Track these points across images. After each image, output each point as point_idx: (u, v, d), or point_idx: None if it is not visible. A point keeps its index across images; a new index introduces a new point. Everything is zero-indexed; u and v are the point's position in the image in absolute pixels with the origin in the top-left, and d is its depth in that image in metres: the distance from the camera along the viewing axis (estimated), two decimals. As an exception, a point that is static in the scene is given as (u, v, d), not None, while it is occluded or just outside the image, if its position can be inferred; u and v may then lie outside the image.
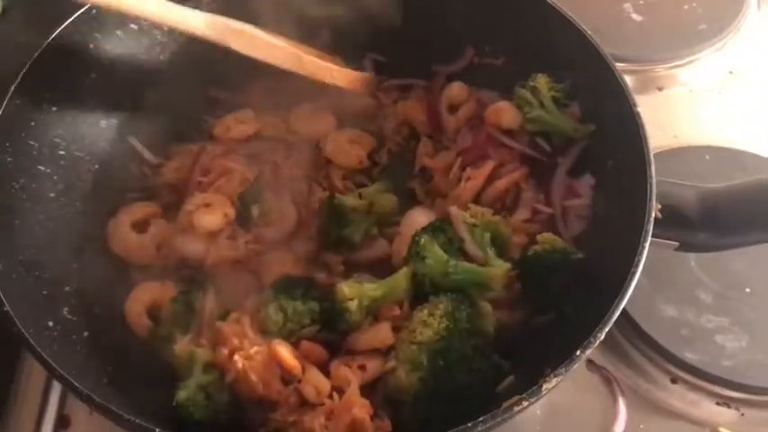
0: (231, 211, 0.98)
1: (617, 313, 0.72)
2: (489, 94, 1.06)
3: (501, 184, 0.98)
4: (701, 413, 0.95)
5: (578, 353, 0.69)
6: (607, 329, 0.71)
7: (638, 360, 0.99)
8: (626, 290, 0.73)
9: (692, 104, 1.31)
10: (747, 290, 1.03)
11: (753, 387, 0.94)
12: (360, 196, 1.00)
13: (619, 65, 1.29)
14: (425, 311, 0.82)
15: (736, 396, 0.95)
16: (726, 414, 0.95)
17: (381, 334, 0.84)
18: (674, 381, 0.97)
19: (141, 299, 0.91)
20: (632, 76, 1.31)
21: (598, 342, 0.71)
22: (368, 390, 0.81)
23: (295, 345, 0.83)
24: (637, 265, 0.75)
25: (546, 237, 0.88)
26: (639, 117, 0.86)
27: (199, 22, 0.85)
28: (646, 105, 1.28)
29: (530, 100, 0.98)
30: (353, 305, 0.83)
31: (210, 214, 0.97)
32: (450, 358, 0.79)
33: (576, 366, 0.70)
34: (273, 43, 0.86)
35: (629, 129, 0.86)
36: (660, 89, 1.32)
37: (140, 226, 0.97)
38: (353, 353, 0.85)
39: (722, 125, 1.27)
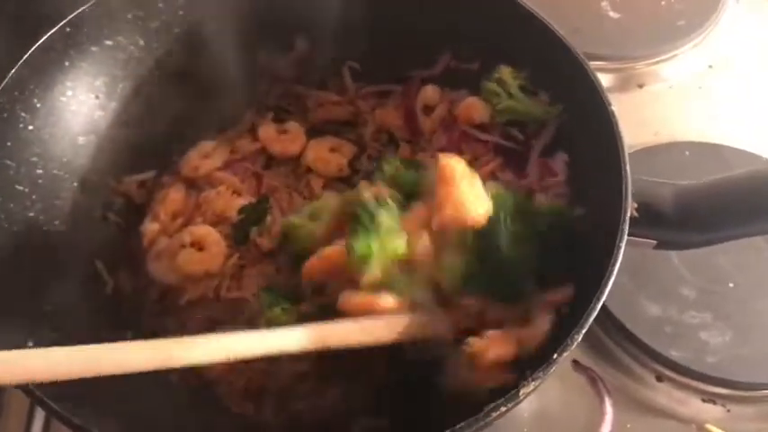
0: (223, 248, 0.98)
1: (593, 315, 0.71)
2: (459, 93, 1.06)
3: (476, 176, 0.99)
4: (688, 411, 0.95)
5: (555, 356, 0.69)
6: (584, 332, 0.70)
7: (624, 359, 0.99)
8: (602, 291, 0.72)
9: (673, 100, 1.31)
10: (730, 284, 1.03)
11: (738, 383, 0.94)
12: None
13: (599, 63, 1.31)
14: None
15: (721, 392, 0.95)
16: (712, 411, 0.95)
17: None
18: (659, 379, 0.97)
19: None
20: (612, 74, 1.32)
21: (575, 344, 0.70)
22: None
23: None
24: (613, 265, 0.74)
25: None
26: (614, 116, 0.85)
27: None
28: (627, 103, 1.29)
29: (497, 92, 0.99)
30: None
31: (203, 254, 0.97)
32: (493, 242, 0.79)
33: (553, 369, 0.69)
34: None
35: (605, 128, 0.85)
36: (641, 86, 1.32)
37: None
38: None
39: (704, 120, 1.27)
